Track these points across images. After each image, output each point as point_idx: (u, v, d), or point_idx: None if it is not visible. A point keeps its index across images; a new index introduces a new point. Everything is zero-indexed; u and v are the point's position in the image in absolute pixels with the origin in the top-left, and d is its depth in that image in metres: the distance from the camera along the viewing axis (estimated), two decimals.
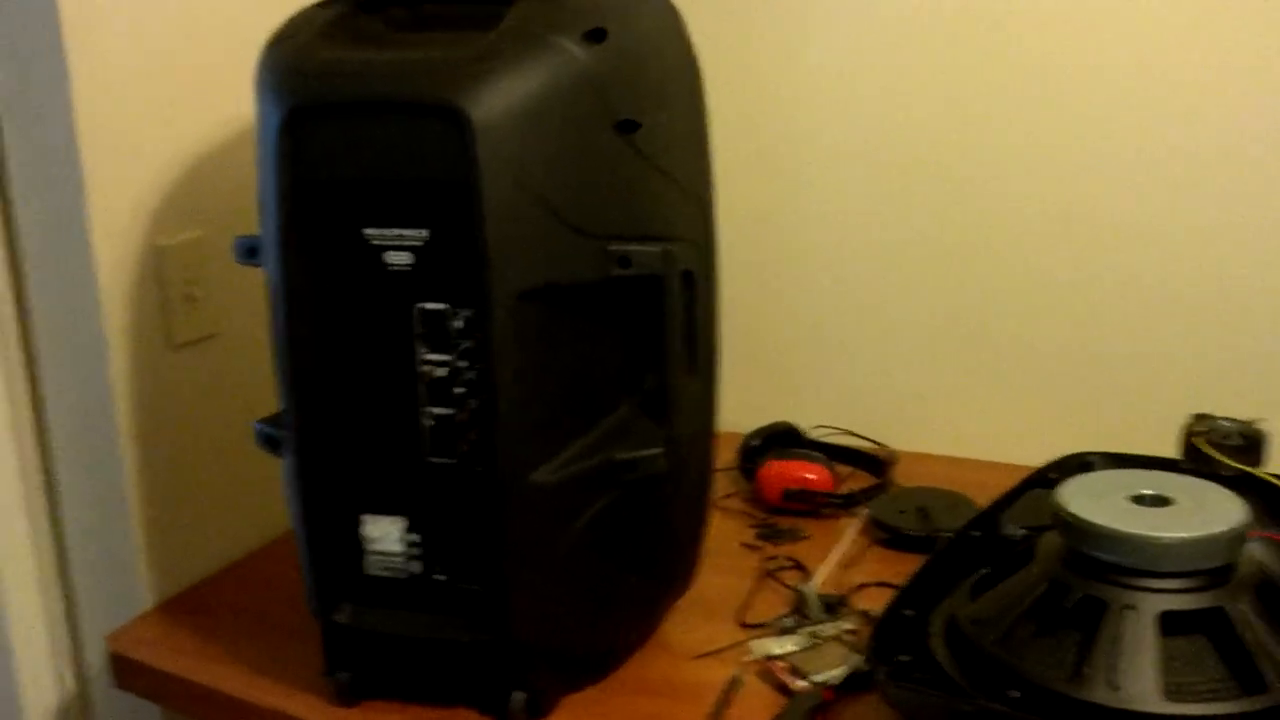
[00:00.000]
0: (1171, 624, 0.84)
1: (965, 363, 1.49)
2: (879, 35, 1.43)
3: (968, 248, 1.45)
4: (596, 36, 0.87)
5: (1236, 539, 0.86)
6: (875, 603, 1.07)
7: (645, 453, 0.95)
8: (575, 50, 0.86)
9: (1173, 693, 0.81)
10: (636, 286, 0.92)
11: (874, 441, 1.51)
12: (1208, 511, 0.88)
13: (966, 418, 1.51)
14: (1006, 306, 1.45)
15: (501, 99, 0.83)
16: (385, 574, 0.96)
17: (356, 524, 0.95)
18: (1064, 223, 1.40)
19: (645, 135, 0.91)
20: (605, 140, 0.88)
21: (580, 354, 0.93)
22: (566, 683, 1.00)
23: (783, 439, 1.44)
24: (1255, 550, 0.93)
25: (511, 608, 0.93)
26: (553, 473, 0.92)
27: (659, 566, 1.03)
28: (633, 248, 0.90)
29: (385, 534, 0.95)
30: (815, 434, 1.50)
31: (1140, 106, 1.33)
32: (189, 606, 1.20)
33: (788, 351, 1.59)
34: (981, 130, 1.41)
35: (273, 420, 1.00)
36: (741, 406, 1.54)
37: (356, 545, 0.96)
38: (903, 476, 1.40)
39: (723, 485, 1.40)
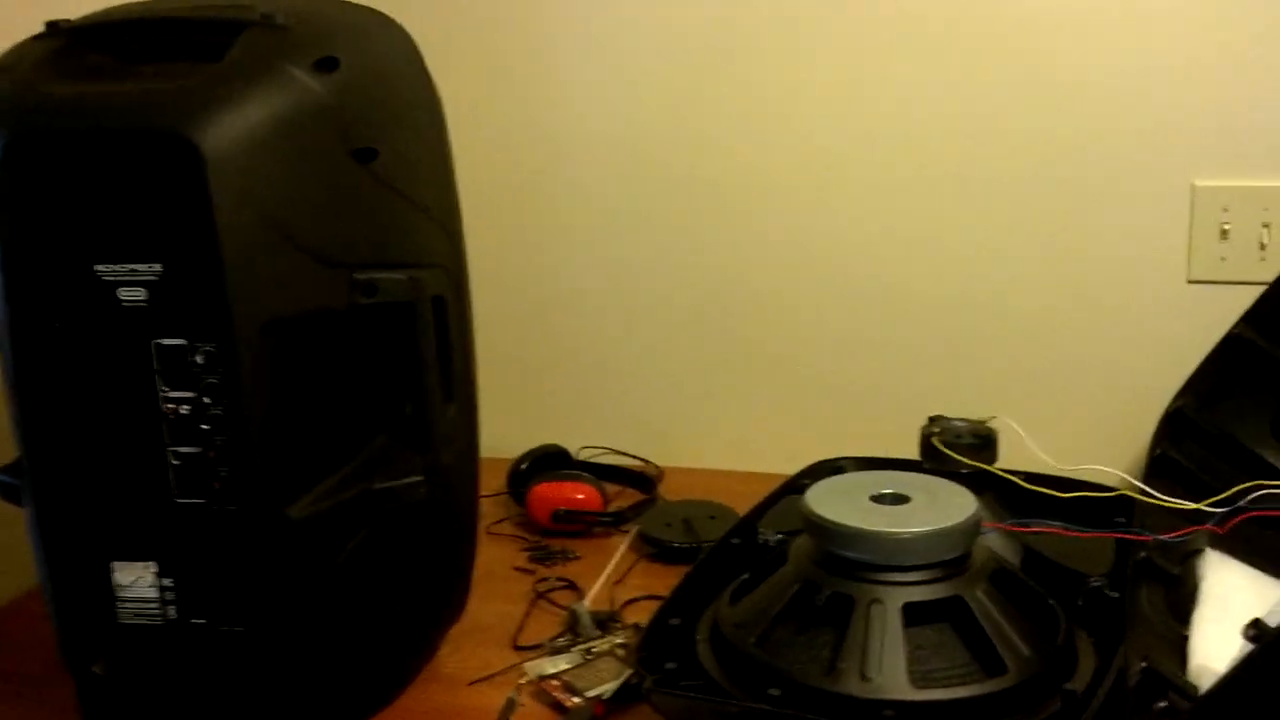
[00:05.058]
0: (915, 614, 0.88)
1: (722, 379, 1.54)
2: (626, 63, 1.46)
3: (717, 269, 1.50)
4: (328, 65, 0.87)
5: (970, 531, 0.91)
6: (646, 616, 1.08)
7: (403, 482, 0.94)
8: (306, 79, 0.85)
9: (920, 680, 0.85)
10: (387, 314, 0.92)
11: (640, 459, 1.53)
12: (942, 506, 0.93)
13: (726, 432, 1.55)
14: (758, 323, 1.50)
15: (231, 128, 0.81)
16: (140, 622, 0.92)
17: (106, 571, 0.91)
18: (803, 242, 1.46)
19: (385, 163, 0.90)
20: (343, 168, 0.88)
21: (332, 384, 0.91)
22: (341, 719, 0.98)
23: (551, 461, 1.45)
24: (990, 540, 0.98)
25: (276, 648, 0.91)
26: (309, 507, 0.90)
27: (428, 596, 1.03)
28: (379, 275, 0.90)
29: (137, 580, 0.91)
30: (583, 455, 1.52)
31: (859, 128, 1.41)
32: None
33: (552, 374, 1.60)
34: (722, 155, 1.46)
35: (10, 468, 0.95)
36: (509, 431, 1.54)
37: (108, 593, 0.92)
38: (669, 491, 1.43)
39: (493, 511, 1.40)
